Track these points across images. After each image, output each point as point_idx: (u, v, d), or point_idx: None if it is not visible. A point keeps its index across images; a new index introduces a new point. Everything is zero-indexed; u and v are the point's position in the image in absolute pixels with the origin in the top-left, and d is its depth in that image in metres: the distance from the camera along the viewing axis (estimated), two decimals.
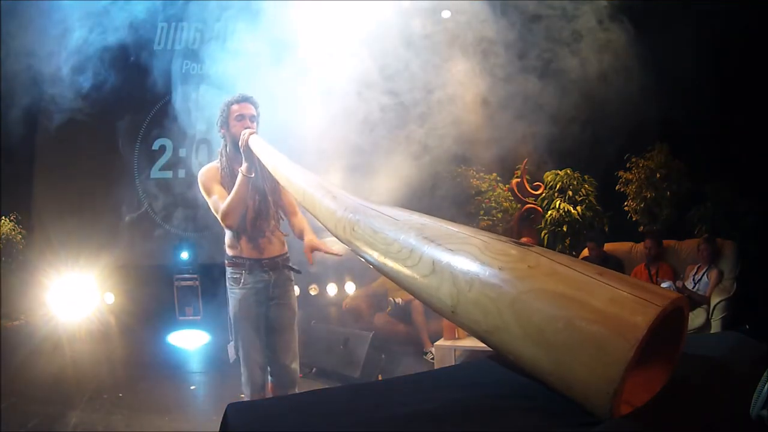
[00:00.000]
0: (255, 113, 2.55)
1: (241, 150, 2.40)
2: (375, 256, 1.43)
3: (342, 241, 1.58)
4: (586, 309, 1.02)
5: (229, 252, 2.59)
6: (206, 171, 2.58)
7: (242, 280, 2.52)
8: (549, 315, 1.05)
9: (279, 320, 2.58)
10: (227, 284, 2.58)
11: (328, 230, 1.66)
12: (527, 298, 1.09)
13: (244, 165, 2.41)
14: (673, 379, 1.15)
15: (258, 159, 2.36)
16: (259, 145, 2.31)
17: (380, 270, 1.44)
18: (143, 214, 6.57)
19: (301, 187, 1.86)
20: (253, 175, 2.44)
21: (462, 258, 1.22)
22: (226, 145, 2.58)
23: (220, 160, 2.58)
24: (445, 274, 1.23)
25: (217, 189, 2.51)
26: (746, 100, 4.96)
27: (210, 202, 2.53)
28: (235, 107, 2.52)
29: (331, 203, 1.65)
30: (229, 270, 2.57)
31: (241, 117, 2.50)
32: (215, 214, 2.50)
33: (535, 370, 1.12)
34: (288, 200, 2.65)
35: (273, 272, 2.56)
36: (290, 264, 2.67)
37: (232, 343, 2.64)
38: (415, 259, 1.30)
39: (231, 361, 2.67)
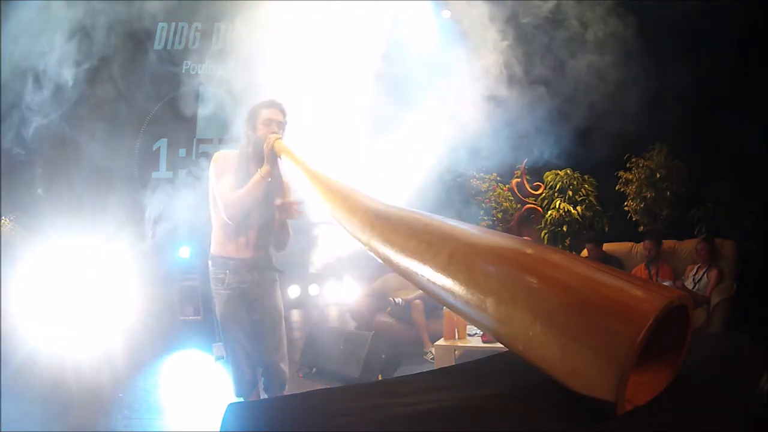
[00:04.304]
0: (283, 120, 2.55)
1: (265, 154, 2.41)
2: (393, 252, 1.48)
3: (362, 242, 1.62)
4: (597, 297, 1.07)
5: (215, 249, 2.56)
6: (225, 155, 2.58)
7: (226, 281, 2.51)
8: (562, 302, 1.09)
9: (265, 321, 2.58)
10: (212, 285, 2.57)
11: (347, 231, 1.70)
12: (541, 287, 1.13)
13: (265, 167, 2.43)
14: (673, 378, 1.16)
15: (278, 174, 2.43)
16: (283, 149, 2.34)
17: (397, 267, 1.48)
18: (143, 214, 6.58)
19: (324, 189, 1.92)
20: (270, 180, 2.45)
21: (479, 251, 1.28)
22: (248, 144, 2.57)
23: (240, 153, 2.57)
24: (461, 266, 1.28)
25: (230, 178, 2.49)
26: (746, 99, 4.96)
27: (218, 185, 2.50)
28: (264, 111, 2.52)
29: (352, 205, 1.71)
30: (212, 270, 2.56)
31: (269, 122, 2.50)
32: (219, 199, 2.48)
33: (544, 357, 1.14)
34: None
35: (256, 272, 2.55)
36: (273, 264, 2.66)
37: (218, 344, 2.66)
38: (433, 252, 1.35)
39: (215, 360, 2.68)
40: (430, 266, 1.34)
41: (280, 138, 2.44)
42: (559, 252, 1.24)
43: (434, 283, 1.33)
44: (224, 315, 2.54)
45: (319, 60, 4.49)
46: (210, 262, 2.58)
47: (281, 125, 2.54)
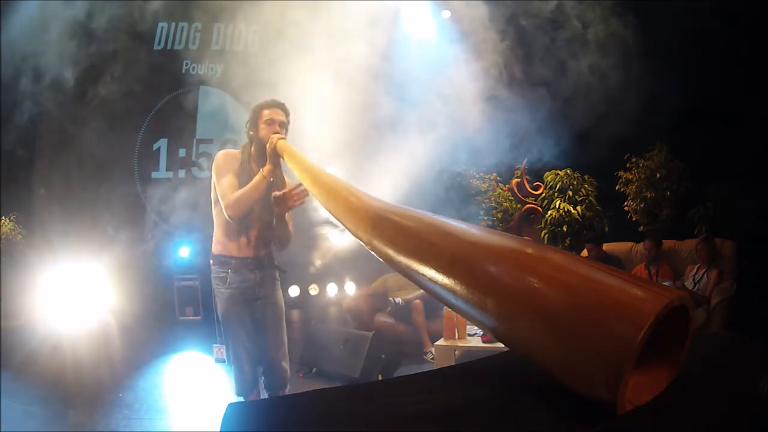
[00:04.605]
0: (285, 120, 2.57)
1: (268, 153, 2.42)
2: (394, 251, 1.48)
3: (363, 242, 1.63)
4: (596, 297, 1.07)
5: (216, 248, 2.58)
6: (226, 155, 2.59)
7: (228, 280, 2.52)
8: (562, 302, 1.09)
9: (267, 319, 2.59)
10: (213, 283, 2.58)
11: (349, 231, 1.71)
12: (542, 287, 1.13)
13: (267, 167, 2.44)
14: (673, 378, 1.16)
15: (281, 174, 2.44)
16: (286, 148, 2.35)
17: (398, 266, 1.48)
18: (143, 214, 6.58)
19: (326, 189, 1.92)
20: (272, 179, 2.46)
21: (480, 251, 1.28)
22: (251, 145, 2.59)
23: (242, 153, 2.58)
24: (463, 266, 1.28)
25: (230, 177, 2.51)
26: (746, 99, 4.96)
27: (219, 185, 2.51)
28: (266, 111, 2.53)
29: (354, 204, 1.71)
30: (214, 269, 2.57)
31: (271, 122, 2.51)
32: (220, 199, 2.49)
33: (544, 356, 1.14)
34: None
35: (258, 271, 2.56)
36: (275, 263, 2.67)
37: (218, 345, 2.66)
38: (434, 252, 1.35)
39: (215, 361, 2.68)
40: (432, 266, 1.34)
41: (282, 138, 2.44)
42: (559, 252, 1.24)
43: (436, 283, 1.34)
44: (225, 314, 2.55)
45: (319, 59, 4.49)
46: (212, 261, 2.59)
47: (283, 125, 2.55)
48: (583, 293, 1.08)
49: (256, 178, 2.45)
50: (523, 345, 1.20)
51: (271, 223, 2.58)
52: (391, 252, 1.49)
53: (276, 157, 2.41)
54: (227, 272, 2.52)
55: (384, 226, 1.54)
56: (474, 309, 1.26)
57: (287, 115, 2.59)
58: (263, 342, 2.58)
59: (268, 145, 2.41)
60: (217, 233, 2.58)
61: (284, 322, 2.66)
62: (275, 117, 2.52)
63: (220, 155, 2.58)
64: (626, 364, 0.97)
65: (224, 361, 2.66)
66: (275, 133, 2.45)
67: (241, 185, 2.47)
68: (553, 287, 1.11)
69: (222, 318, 2.57)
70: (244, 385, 2.56)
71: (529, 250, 1.22)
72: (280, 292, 2.68)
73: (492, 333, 1.28)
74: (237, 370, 2.55)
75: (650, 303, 1.01)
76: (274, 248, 2.67)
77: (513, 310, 1.17)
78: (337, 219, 1.82)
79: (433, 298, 1.47)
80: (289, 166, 2.31)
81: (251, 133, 2.57)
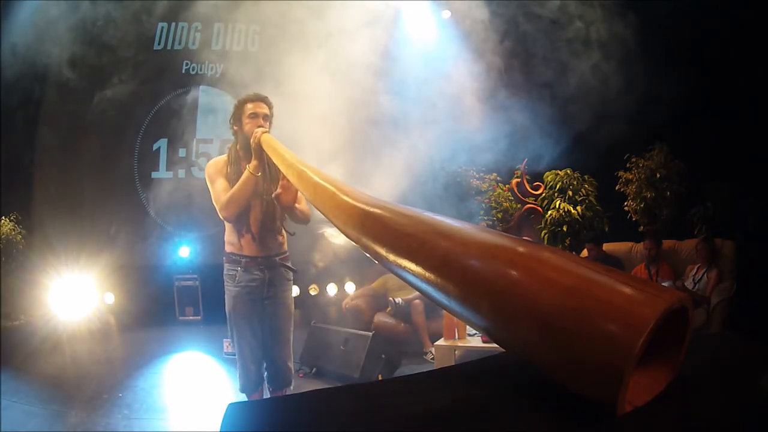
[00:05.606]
0: (269, 113, 2.56)
1: (252, 148, 2.41)
2: (385, 251, 1.43)
3: (352, 239, 1.59)
4: (595, 300, 1.04)
5: (227, 248, 2.60)
6: (214, 162, 2.61)
7: (237, 278, 2.53)
8: (559, 305, 1.06)
9: (274, 319, 2.59)
10: (224, 280, 2.60)
11: (338, 228, 1.67)
12: (537, 289, 1.10)
13: (253, 163, 2.43)
14: (672, 378, 1.16)
15: (268, 160, 2.37)
16: (270, 143, 2.31)
17: (389, 265, 1.44)
18: (143, 214, 6.58)
19: (312, 184, 1.86)
20: (259, 174, 2.45)
21: (473, 250, 1.24)
22: (236, 142, 2.59)
23: (229, 155, 2.59)
24: (456, 266, 1.24)
25: (221, 181, 2.53)
26: (746, 100, 4.96)
27: (212, 191, 2.54)
28: (249, 105, 2.53)
29: (342, 200, 1.65)
30: (225, 266, 2.59)
31: (255, 115, 2.50)
32: (214, 203, 2.53)
33: (542, 359, 1.13)
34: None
35: (269, 270, 2.56)
36: (288, 263, 2.67)
37: (228, 339, 2.66)
38: (426, 252, 1.30)
39: (225, 353, 2.68)
40: (423, 266, 1.30)
41: (266, 131, 2.43)
42: (556, 252, 1.21)
43: (428, 283, 1.30)
44: (233, 311, 2.56)
45: (319, 58, 4.49)
46: (224, 259, 2.61)
47: (267, 118, 2.55)
48: (580, 296, 1.06)
49: (243, 176, 2.44)
50: (519, 347, 1.18)
51: (274, 216, 2.57)
52: (381, 250, 1.45)
53: (261, 151, 2.37)
54: (237, 270, 2.54)
55: (373, 224, 1.49)
56: (468, 310, 1.24)
57: (270, 107, 2.58)
58: (269, 341, 2.59)
59: (252, 140, 2.40)
60: (227, 234, 2.61)
61: (292, 322, 2.67)
62: (258, 110, 2.52)
63: (210, 164, 2.59)
64: (626, 371, 0.96)
65: (234, 355, 2.67)
66: (259, 126, 2.45)
67: (233, 185, 2.48)
68: (550, 289, 1.09)
69: (229, 315, 2.58)
70: (248, 383, 2.57)
71: (525, 250, 1.19)
72: (291, 292, 2.68)
73: (487, 334, 1.26)
74: (242, 368, 2.57)
75: (650, 308, 0.99)
76: (291, 226, 2.64)
77: (508, 312, 1.15)
78: (324, 216, 1.77)
79: None
80: (274, 161, 2.24)
81: (235, 128, 2.57)
